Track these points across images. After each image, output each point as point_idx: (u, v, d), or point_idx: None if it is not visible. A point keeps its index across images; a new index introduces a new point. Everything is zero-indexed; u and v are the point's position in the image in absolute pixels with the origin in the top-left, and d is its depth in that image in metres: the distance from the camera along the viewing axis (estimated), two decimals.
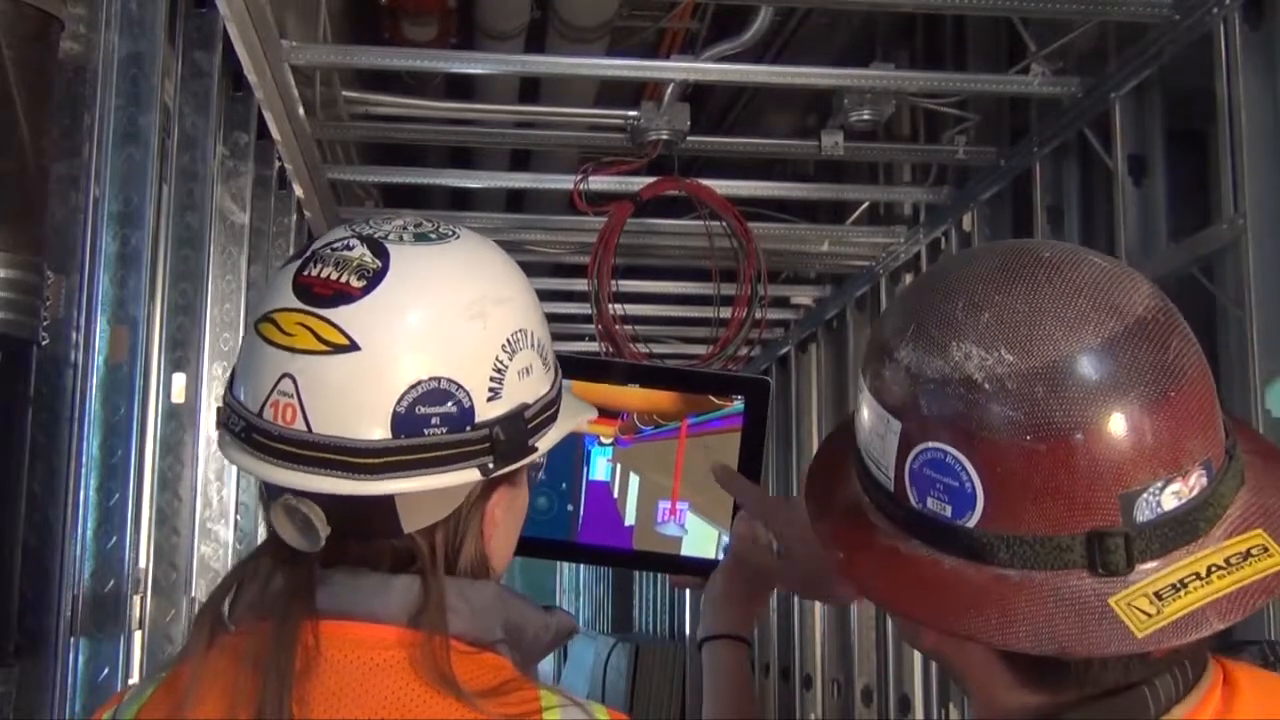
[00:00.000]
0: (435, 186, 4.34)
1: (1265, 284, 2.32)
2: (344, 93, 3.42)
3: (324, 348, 0.83)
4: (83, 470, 1.83)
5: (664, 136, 3.45)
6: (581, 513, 1.29)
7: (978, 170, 3.64)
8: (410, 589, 0.85)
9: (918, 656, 4.11)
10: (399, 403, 0.83)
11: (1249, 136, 2.36)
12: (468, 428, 0.85)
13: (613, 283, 3.62)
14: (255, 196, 2.86)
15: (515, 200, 4.78)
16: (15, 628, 1.59)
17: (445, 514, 0.87)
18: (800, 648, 5.25)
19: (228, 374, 1.02)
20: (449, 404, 0.84)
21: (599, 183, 3.64)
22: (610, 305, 3.63)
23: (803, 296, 5.25)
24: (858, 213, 4.47)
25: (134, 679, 2.05)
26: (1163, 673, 0.76)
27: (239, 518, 2.81)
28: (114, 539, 1.88)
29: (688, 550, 1.30)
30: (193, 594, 2.39)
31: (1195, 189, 2.93)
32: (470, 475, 0.85)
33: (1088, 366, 0.72)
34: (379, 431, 0.83)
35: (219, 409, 0.90)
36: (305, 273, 0.86)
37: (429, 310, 0.85)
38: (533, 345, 0.90)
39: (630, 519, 1.30)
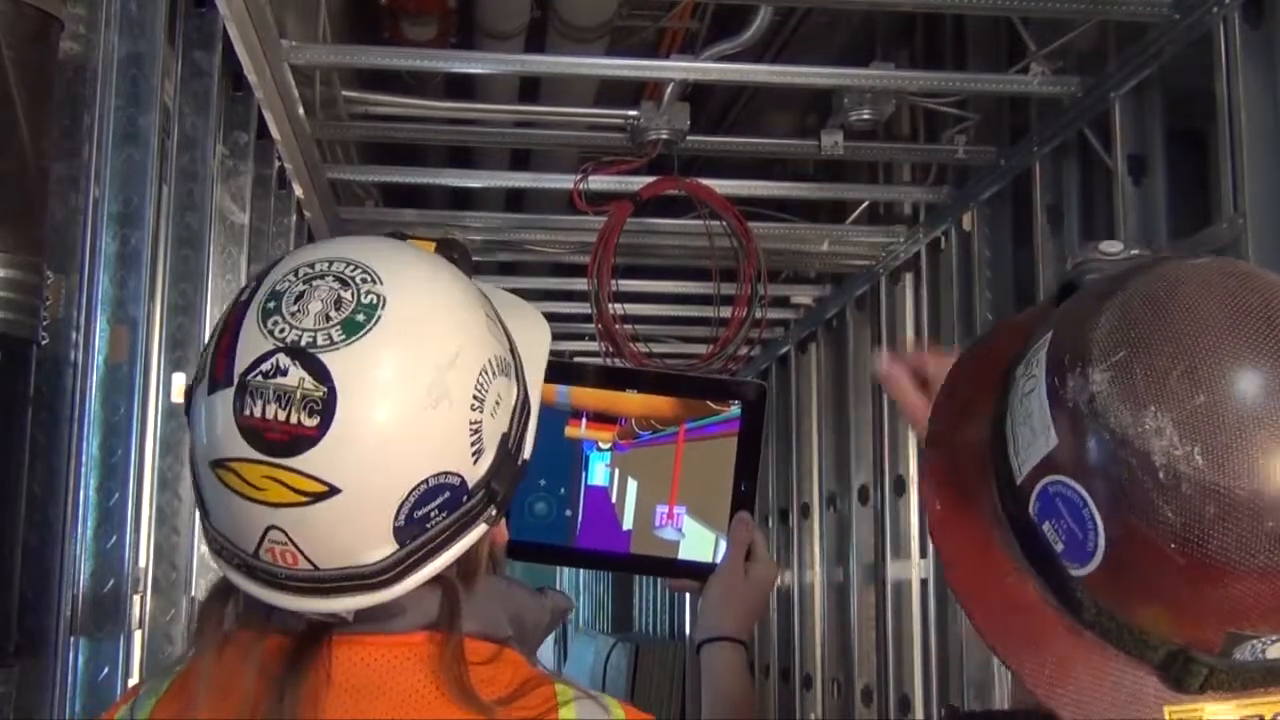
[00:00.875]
0: (435, 186, 4.34)
1: None
2: (344, 92, 3.42)
3: (303, 499, 0.78)
4: (83, 470, 1.83)
5: (664, 136, 3.44)
6: (580, 518, 1.29)
7: (978, 170, 3.64)
8: (425, 600, 0.86)
9: (918, 657, 4.10)
10: (396, 519, 0.81)
11: (1249, 136, 2.36)
12: (464, 499, 0.84)
13: (613, 283, 3.62)
14: (255, 196, 2.86)
15: (515, 200, 4.78)
16: (15, 628, 1.59)
17: (456, 557, 0.88)
18: (800, 648, 5.25)
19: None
20: (443, 493, 0.82)
21: (599, 182, 3.64)
22: (610, 305, 3.63)
23: (803, 296, 5.24)
24: (858, 212, 4.46)
25: (134, 679, 2.05)
26: None
27: None
28: (114, 539, 1.88)
29: (685, 554, 1.30)
30: (193, 594, 2.39)
31: (1195, 189, 2.93)
32: (478, 533, 0.86)
33: (1268, 513, 0.67)
34: (385, 549, 0.82)
35: (204, 533, 0.87)
36: (246, 413, 0.78)
37: (392, 422, 0.79)
38: (492, 371, 0.85)
39: (628, 524, 1.30)
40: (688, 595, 1.35)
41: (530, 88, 3.82)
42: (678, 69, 3.20)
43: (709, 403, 1.31)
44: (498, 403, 0.85)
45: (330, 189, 3.73)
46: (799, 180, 4.49)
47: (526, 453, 0.89)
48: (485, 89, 3.74)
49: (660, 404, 1.30)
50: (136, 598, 2.15)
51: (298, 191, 3.35)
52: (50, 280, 1.68)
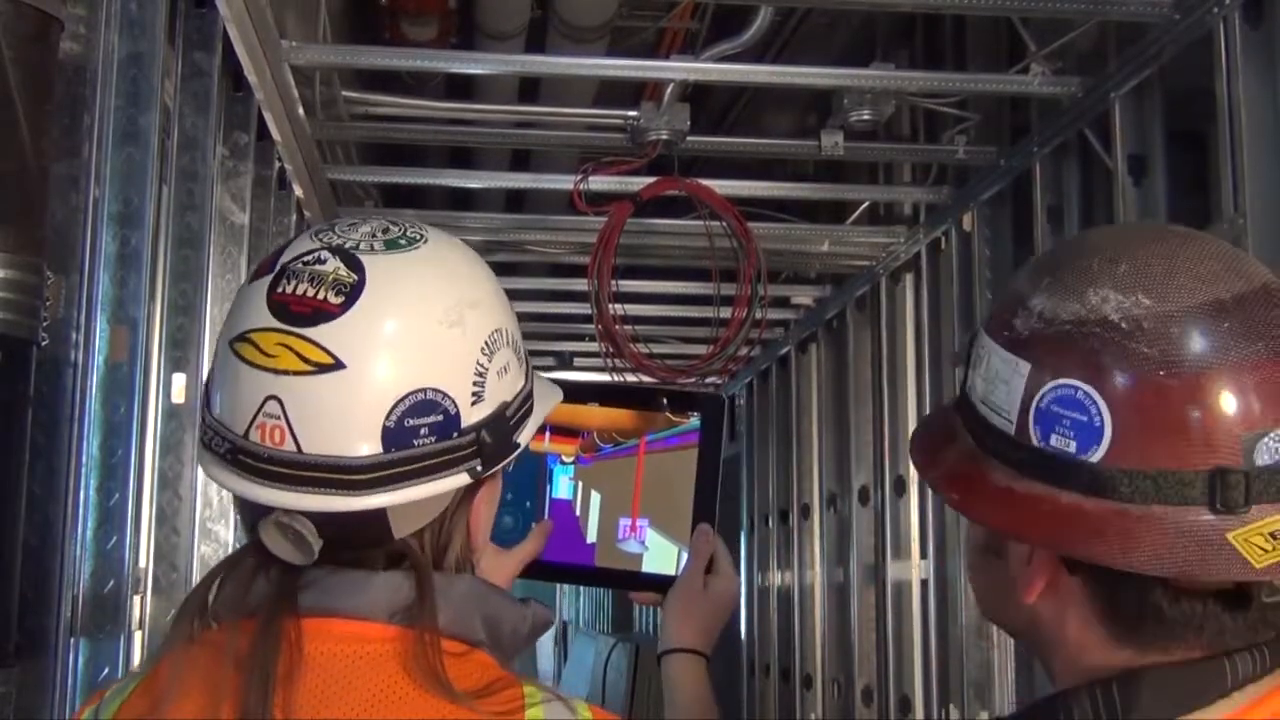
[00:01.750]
0: (435, 186, 4.34)
1: None
2: (344, 93, 3.42)
3: (308, 368, 0.82)
4: (83, 470, 1.83)
5: (664, 136, 3.44)
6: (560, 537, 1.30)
7: (978, 170, 3.64)
8: (395, 585, 0.85)
9: (918, 656, 4.11)
10: (388, 417, 0.83)
11: (1249, 136, 2.36)
12: (455, 434, 0.85)
13: (613, 283, 3.62)
14: (255, 197, 2.86)
15: (515, 200, 4.78)
16: (15, 628, 1.59)
17: (433, 517, 0.88)
18: (800, 648, 5.25)
19: (200, 389, 1.02)
20: (436, 413, 0.84)
21: (599, 183, 3.64)
22: (610, 305, 3.63)
23: (803, 296, 5.25)
24: (858, 213, 4.46)
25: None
26: (1244, 651, 0.80)
27: (239, 518, 2.81)
28: (114, 539, 1.88)
29: (648, 567, 1.31)
30: None
31: (1195, 189, 2.93)
32: (460, 480, 0.86)
33: (1221, 315, 0.78)
34: (369, 447, 0.83)
35: (200, 426, 0.89)
36: (279, 290, 0.84)
37: (409, 321, 0.84)
38: (508, 343, 0.90)
39: (592, 536, 1.31)
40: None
41: (530, 88, 3.82)
42: (678, 69, 3.20)
43: (669, 415, 1.31)
44: (505, 369, 0.89)
45: (330, 189, 3.74)
46: (799, 180, 4.49)
47: (520, 439, 0.91)
48: (485, 89, 3.75)
49: (621, 416, 1.31)
50: (136, 598, 2.15)
51: (298, 192, 3.35)
52: (50, 280, 1.68)
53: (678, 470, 1.30)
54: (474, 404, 0.86)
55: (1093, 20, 2.86)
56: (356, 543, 0.86)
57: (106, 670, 1.85)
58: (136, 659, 2.16)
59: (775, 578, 5.74)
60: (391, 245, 0.87)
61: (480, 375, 0.87)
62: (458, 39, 3.56)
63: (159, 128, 1.98)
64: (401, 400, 0.83)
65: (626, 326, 3.76)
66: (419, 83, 3.76)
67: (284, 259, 0.86)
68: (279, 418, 0.82)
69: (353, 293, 0.83)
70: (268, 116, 2.83)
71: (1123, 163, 2.84)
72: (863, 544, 4.61)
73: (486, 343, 0.88)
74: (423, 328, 0.85)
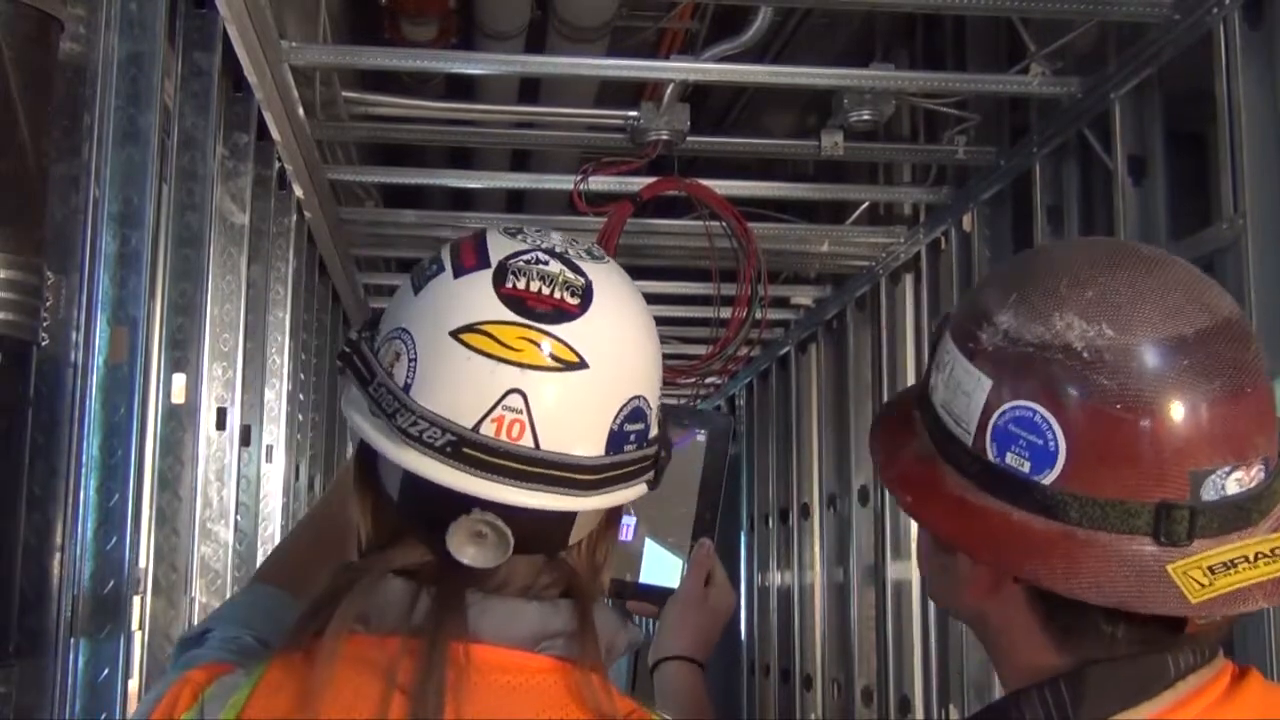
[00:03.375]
0: (435, 186, 4.35)
1: (1265, 284, 2.31)
2: (344, 93, 3.42)
3: (556, 365, 0.81)
4: (83, 470, 1.83)
5: (664, 136, 3.44)
6: None
7: (978, 170, 3.64)
8: (550, 613, 0.84)
9: (918, 656, 4.10)
10: (615, 420, 0.84)
11: (1249, 136, 2.36)
12: (645, 444, 0.87)
13: None
14: (255, 197, 2.85)
15: (515, 200, 4.78)
16: (15, 628, 1.59)
17: (592, 529, 0.89)
18: (800, 648, 5.25)
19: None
20: (641, 421, 0.87)
21: (599, 183, 3.64)
22: None
23: (803, 296, 5.25)
24: (858, 213, 4.46)
25: (134, 679, 2.05)
26: (1183, 647, 0.83)
27: (239, 518, 2.81)
28: (114, 539, 1.88)
29: (646, 578, 1.32)
30: (193, 594, 2.39)
31: (1195, 189, 2.93)
32: (640, 491, 0.88)
33: (1181, 351, 0.79)
34: (596, 449, 0.84)
35: (397, 415, 0.82)
36: (508, 286, 0.83)
37: (636, 331, 0.87)
38: (658, 386, 0.93)
39: None
40: None
41: (530, 88, 3.82)
42: (678, 69, 3.20)
43: (676, 431, 1.32)
44: (655, 410, 0.90)
45: (330, 189, 3.74)
46: (799, 180, 4.50)
47: (659, 477, 0.91)
48: (485, 90, 3.75)
49: None
50: (136, 598, 2.14)
51: (298, 192, 3.35)
52: (50, 280, 1.68)
53: (675, 479, 1.31)
54: (657, 418, 0.89)
55: (1093, 20, 2.86)
56: (538, 549, 0.85)
57: (106, 670, 1.85)
58: (136, 659, 2.16)
59: (775, 578, 5.74)
60: (591, 255, 0.88)
61: (660, 390, 0.90)
62: (458, 39, 3.56)
63: (159, 128, 1.98)
64: (625, 405, 0.85)
65: None
66: (419, 83, 3.76)
67: (495, 256, 0.84)
68: (521, 412, 0.81)
69: (586, 296, 0.84)
70: (268, 116, 2.83)
71: (1122, 163, 2.84)
72: (863, 544, 4.61)
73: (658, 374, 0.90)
74: (642, 338, 0.87)
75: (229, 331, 2.72)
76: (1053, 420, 0.80)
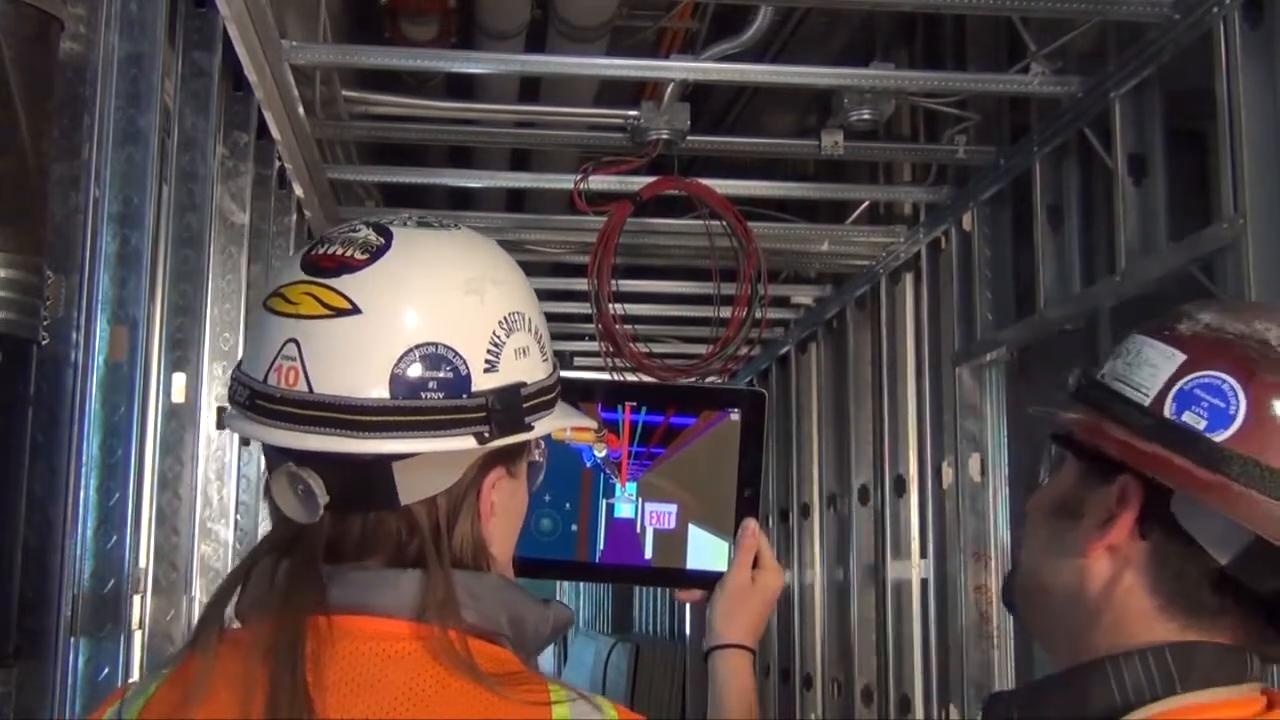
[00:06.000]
0: (435, 186, 4.34)
1: (1265, 284, 2.31)
2: (344, 92, 3.42)
3: (326, 312, 0.86)
4: (83, 470, 1.83)
5: (664, 136, 3.44)
6: (600, 533, 1.32)
7: (978, 170, 3.64)
8: (421, 583, 0.86)
9: (918, 657, 4.10)
10: (397, 364, 0.85)
11: (1249, 136, 2.36)
12: (464, 395, 0.87)
13: (613, 283, 3.62)
14: (255, 196, 2.86)
15: (515, 200, 4.78)
16: (15, 628, 1.59)
17: (442, 489, 0.88)
18: (800, 648, 5.25)
19: (229, 370, 1.04)
20: (445, 370, 0.86)
21: (599, 182, 3.64)
22: (610, 305, 3.63)
23: (803, 296, 5.25)
24: (858, 212, 4.46)
25: (134, 679, 2.05)
26: (1256, 651, 0.91)
27: (239, 517, 2.81)
28: (114, 539, 1.88)
29: (693, 564, 1.31)
30: (193, 594, 2.39)
31: (1195, 189, 2.93)
32: (466, 442, 0.87)
33: None
34: (378, 391, 0.85)
35: (229, 386, 0.91)
36: (313, 252, 0.90)
37: (429, 281, 0.88)
38: (529, 330, 0.92)
39: (649, 550, 1.32)
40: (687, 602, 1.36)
41: (530, 88, 3.82)
42: (678, 69, 3.20)
43: (709, 412, 1.32)
44: (524, 351, 0.91)
45: (330, 189, 3.74)
46: (799, 180, 4.49)
47: (537, 426, 0.92)
48: (485, 89, 3.74)
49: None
50: (136, 598, 2.15)
51: (298, 191, 3.35)
52: (50, 280, 1.68)
53: (712, 460, 1.31)
54: (486, 372, 0.88)
55: (1093, 20, 2.86)
56: (363, 504, 0.87)
57: (106, 670, 1.85)
58: (136, 659, 2.16)
59: None
60: (424, 225, 0.92)
61: (495, 346, 0.89)
62: (458, 39, 3.56)
63: (159, 128, 1.98)
64: (412, 350, 0.85)
65: (626, 326, 3.76)
66: (419, 82, 3.76)
67: (326, 232, 0.92)
68: (295, 359, 0.85)
69: (377, 252, 0.88)
70: (268, 116, 2.83)
71: (1123, 162, 2.84)
72: (863, 544, 4.61)
73: (505, 319, 0.90)
74: (441, 288, 0.88)
75: (229, 331, 2.73)
76: (1240, 390, 0.90)
